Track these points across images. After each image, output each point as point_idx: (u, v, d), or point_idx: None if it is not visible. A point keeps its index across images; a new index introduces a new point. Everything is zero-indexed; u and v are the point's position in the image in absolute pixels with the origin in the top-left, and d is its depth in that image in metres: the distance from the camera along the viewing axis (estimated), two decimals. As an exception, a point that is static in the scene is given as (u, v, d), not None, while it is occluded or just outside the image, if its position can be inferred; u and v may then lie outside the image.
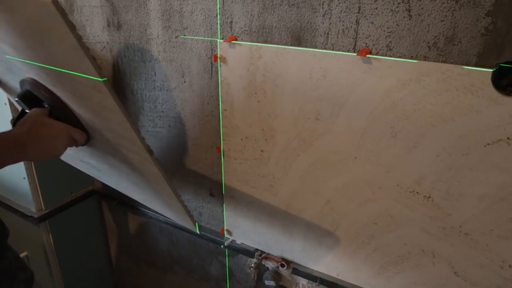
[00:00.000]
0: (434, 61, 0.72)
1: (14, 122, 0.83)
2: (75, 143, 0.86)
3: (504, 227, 0.75)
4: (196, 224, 1.08)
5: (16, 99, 0.82)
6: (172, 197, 0.91)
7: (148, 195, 1.06)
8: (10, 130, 0.78)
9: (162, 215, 1.21)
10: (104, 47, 1.23)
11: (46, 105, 0.80)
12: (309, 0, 0.81)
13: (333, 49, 0.82)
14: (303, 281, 1.12)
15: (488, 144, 0.71)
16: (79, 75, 0.65)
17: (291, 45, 0.87)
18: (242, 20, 0.92)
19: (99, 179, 1.25)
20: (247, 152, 1.04)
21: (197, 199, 1.25)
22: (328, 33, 0.82)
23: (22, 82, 0.83)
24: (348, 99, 0.83)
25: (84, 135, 0.86)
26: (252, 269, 1.17)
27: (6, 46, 0.73)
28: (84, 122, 0.83)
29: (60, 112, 0.81)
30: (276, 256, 1.12)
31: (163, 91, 1.16)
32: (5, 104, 1.23)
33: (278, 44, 0.89)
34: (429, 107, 0.74)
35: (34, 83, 0.79)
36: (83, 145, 0.89)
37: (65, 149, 0.83)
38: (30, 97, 0.80)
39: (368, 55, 0.77)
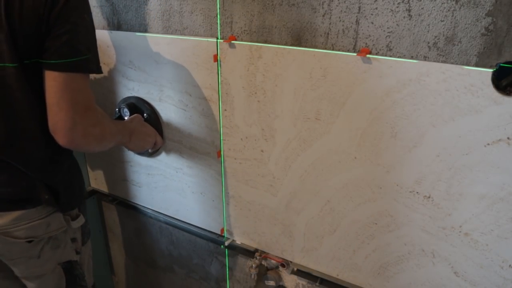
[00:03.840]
0: (434, 61, 0.72)
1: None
2: (155, 146, 1.15)
3: (504, 227, 0.75)
4: (225, 224, 1.19)
5: (123, 105, 1.19)
6: (220, 196, 1.15)
7: (189, 200, 1.24)
8: (124, 121, 1.13)
9: (185, 222, 1.31)
10: (104, 47, 1.23)
11: (145, 114, 1.17)
12: (309, 0, 0.81)
13: (333, 49, 0.82)
14: (303, 281, 1.12)
15: (488, 144, 0.71)
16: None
17: (291, 45, 0.87)
18: (242, 20, 0.92)
19: (133, 198, 1.43)
20: (247, 152, 1.04)
21: (197, 199, 1.25)
22: (328, 33, 0.82)
23: (126, 99, 1.21)
24: (348, 99, 0.83)
25: (163, 142, 1.18)
26: (252, 269, 1.17)
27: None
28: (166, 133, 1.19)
29: (153, 120, 1.17)
30: (276, 256, 1.12)
31: (163, 91, 1.16)
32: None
33: (278, 44, 0.89)
34: (429, 107, 0.74)
35: (140, 99, 1.18)
36: (156, 151, 1.22)
37: (150, 146, 1.13)
38: (134, 106, 1.19)
39: (368, 55, 0.77)
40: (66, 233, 0.97)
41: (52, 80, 0.78)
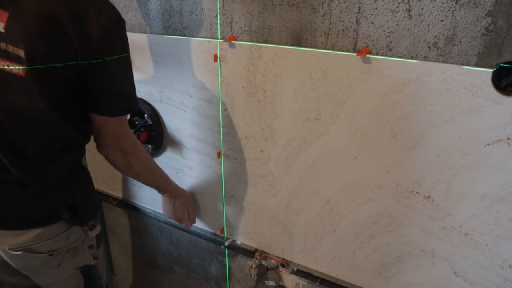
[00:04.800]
0: (434, 61, 0.72)
1: None
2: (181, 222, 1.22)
3: (504, 227, 0.75)
4: (225, 226, 1.20)
5: None
6: (220, 197, 1.16)
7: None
8: (173, 182, 1.15)
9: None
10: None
11: (146, 115, 1.19)
12: (309, 0, 0.81)
13: (333, 49, 0.82)
14: (303, 281, 1.12)
15: (488, 144, 0.71)
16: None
17: (291, 45, 0.87)
18: (242, 20, 0.92)
19: (133, 198, 1.45)
20: (247, 152, 1.04)
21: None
22: (328, 33, 0.82)
23: None
24: (348, 99, 0.83)
25: (189, 224, 1.23)
26: (252, 269, 1.17)
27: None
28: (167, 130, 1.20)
29: (154, 121, 1.18)
30: (276, 256, 1.12)
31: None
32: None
33: (278, 44, 0.89)
34: (429, 107, 0.74)
35: (141, 100, 1.18)
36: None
37: (173, 219, 1.20)
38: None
39: (368, 55, 0.77)
40: (84, 241, 0.99)
41: (111, 126, 0.87)
